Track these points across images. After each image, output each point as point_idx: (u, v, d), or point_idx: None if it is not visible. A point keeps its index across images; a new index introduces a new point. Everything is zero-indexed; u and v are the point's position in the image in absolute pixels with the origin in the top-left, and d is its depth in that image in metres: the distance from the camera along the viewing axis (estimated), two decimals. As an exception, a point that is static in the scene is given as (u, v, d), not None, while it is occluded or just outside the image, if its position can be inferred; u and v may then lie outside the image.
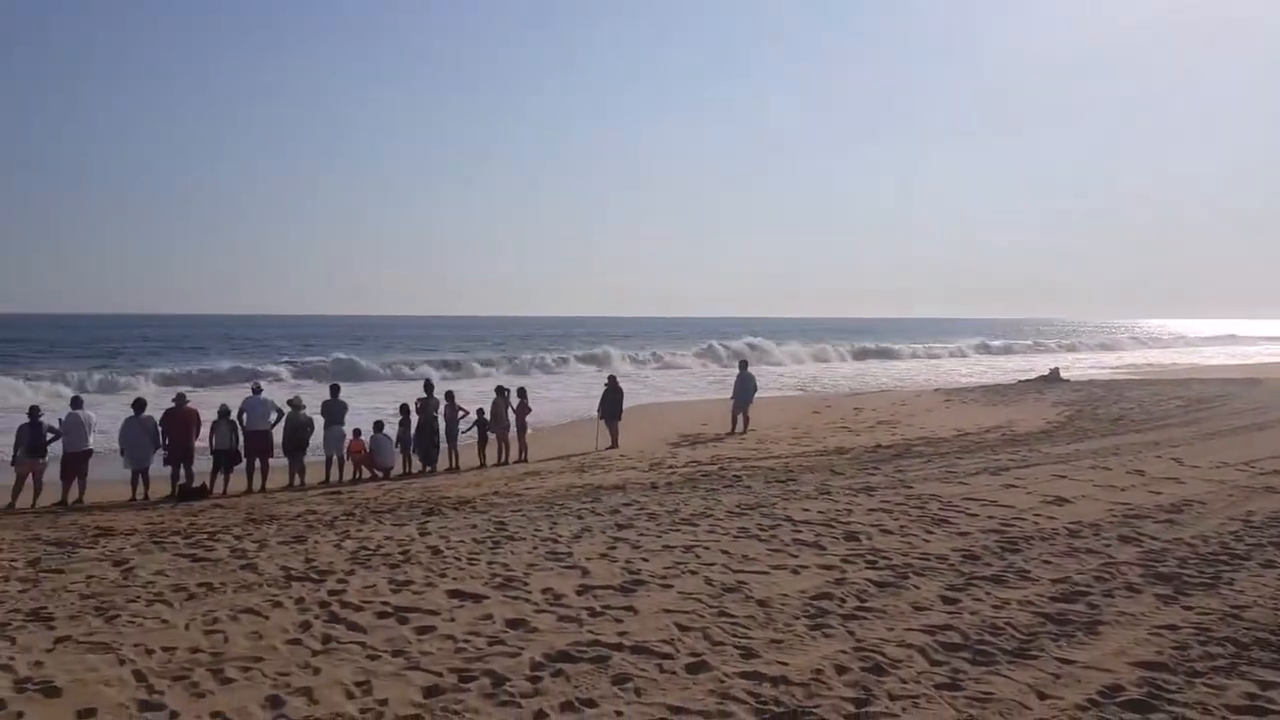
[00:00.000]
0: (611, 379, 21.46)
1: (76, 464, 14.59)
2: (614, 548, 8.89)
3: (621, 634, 6.33)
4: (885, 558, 8.32)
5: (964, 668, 5.69)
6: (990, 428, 20.67)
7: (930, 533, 9.30)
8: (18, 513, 13.37)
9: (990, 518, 9.99)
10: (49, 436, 14.62)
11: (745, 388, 22.64)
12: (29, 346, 70.62)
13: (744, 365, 23.76)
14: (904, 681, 5.48)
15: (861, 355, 63.49)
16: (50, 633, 6.51)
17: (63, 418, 14.97)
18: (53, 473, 14.50)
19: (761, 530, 9.54)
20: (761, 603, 7.03)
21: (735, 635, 6.29)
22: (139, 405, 15.56)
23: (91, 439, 15.01)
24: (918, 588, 7.37)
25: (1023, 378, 38.70)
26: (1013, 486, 11.90)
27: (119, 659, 5.94)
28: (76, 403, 15.72)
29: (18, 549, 9.67)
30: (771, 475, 13.77)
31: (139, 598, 7.41)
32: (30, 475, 14.33)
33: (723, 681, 5.48)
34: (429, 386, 18.55)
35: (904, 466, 14.20)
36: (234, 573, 8.21)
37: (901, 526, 9.59)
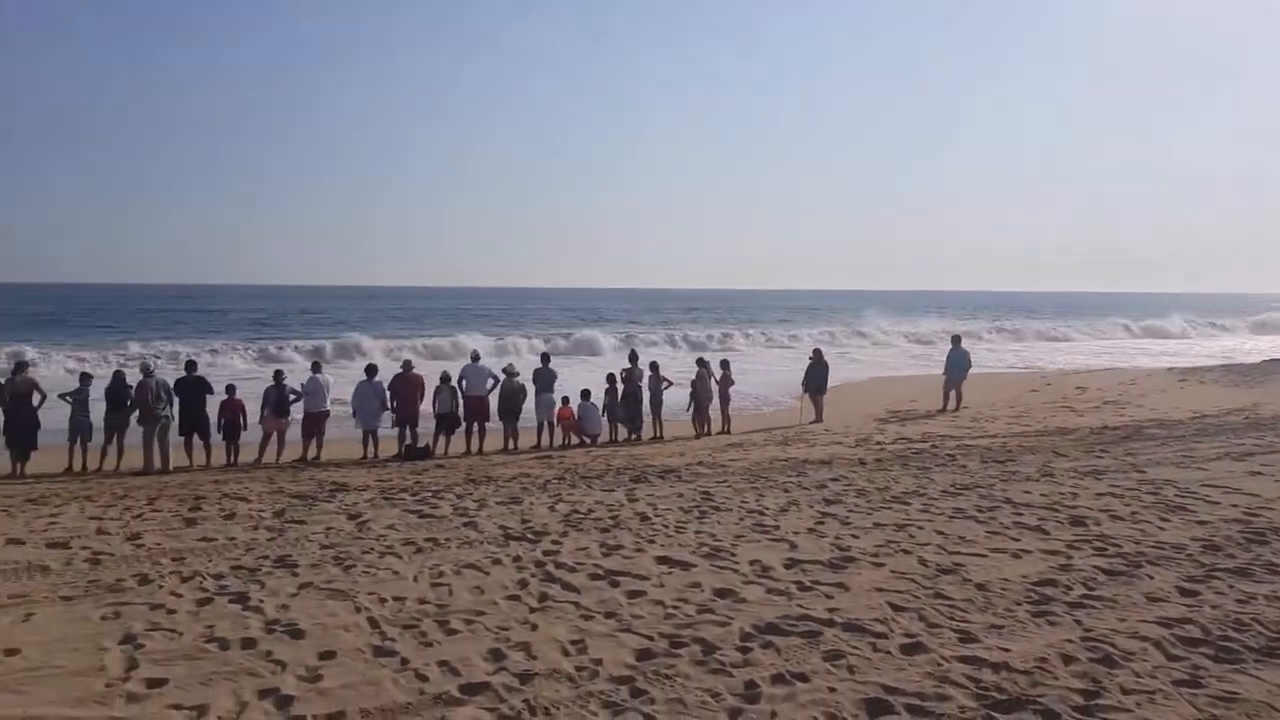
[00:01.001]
0: (816, 352, 21.10)
1: (316, 423, 15.74)
2: (822, 523, 8.74)
3: (832, 610, 6.22)
4: (1115, 545, 7.78)
5: (1205, 664, 5.25)
6: (1231, 410, 18.95)
7: (1165, 520, 8.63)
8: (264, 467, 14.56)
9: (1234, 506, 9.17)
10: (292, 398, 15.83)
11: (958, 363, 21.73)
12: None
13: (957, 340, 22.80)
14: (1138, 675, 5.10)
15: (1023, 335, 56.60)
16: (294, 579, 7.06)
17: (304, 381, 16.18)
18: (294, 431, 15.70)
19: (979, 512, 9.14)
20: (980, 586, 6.73)
21: (953, 618, 6.06)
22: (370, 370, 16.62)
23: (329, 401, 16.15)
24: (1152, 578, 6.85)
25: (1269, 357, 35.26)
26: (1258, 474, 10.87)
27: (355, 606, 6.36)
28: (316, 367, 16.94)
29: (265, 500, 10.53)
30: (988, 455, 13.17)
31: (372, 549, 7.92)
32: (275, 433, 15.58)
33: (940, 664, 5.29)
34: (634, 357, 18.83)
35: (1135, 449, 13.24)
36: (457, 530, 8.65)
37: (1133, 513, 8.95)
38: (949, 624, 5.94)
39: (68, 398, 14.50)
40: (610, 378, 18.14)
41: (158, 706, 4.76)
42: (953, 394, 21.33)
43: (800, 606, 6.30)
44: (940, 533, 8.30)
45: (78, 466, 14.25)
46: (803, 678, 5.11)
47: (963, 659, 5.35)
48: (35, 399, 14.20)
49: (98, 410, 14.59)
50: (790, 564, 7.34)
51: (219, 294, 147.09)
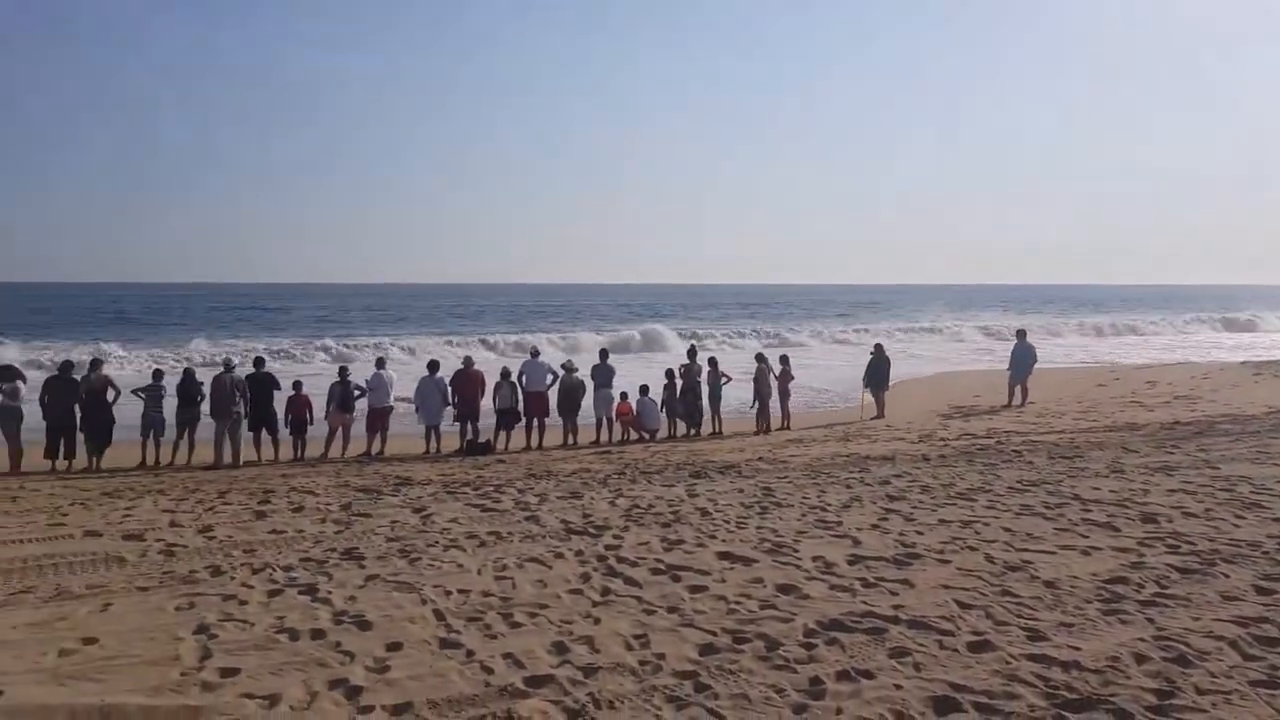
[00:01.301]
0: (878, 347, 20.88)
1: (380, 419, 16.00)
2: (885, 519, 8.65)
3: (897, 607, 6.15)
4: (1189, 542, 7.57)
5: (1286, 665, 5.08)
6: (1312, 406, 18.37)
7: (1241, 517, 8.38)
8: (330, 462, 14.82)
9: (1313, 503, 8.88)
10: (357, 394, 16.10)
11: (1023, 358, 21.34)
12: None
13: (1022, 335, 22.39)
14: (1213, 675, 4.96)
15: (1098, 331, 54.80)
16: (361, 571, 7.17)
17: (369, 377, 16.45)
18: (359, 426, 15.96)
19: (1046, 508, 8.96)
20: (1049, 584, 6.60)
21: (1021, 616, 5.94)
22: (433, 367, 16.84)
23: (393, 396, 16.39)
24: (1227, 576, 6.65)
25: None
26: (1339, 470, 10.52)
27: (421, 598, 6.44)
28: (380, 363, 17.20)
29: (332, 494, 10.72)
30: (1055, 451, 12.92)
31: (437, 543, 8.02)
32: (340, 428, 15.86)
33: (1008, 662, 5.19)
34: (692, 352, 18.84)
35: (1207, 445, 12.88)
36: (519, 524, 8.72)
37: (1207, 510, 8.70)
38: (1017, 622, 5.83)
39: (140, 393, 14.91)
40: (669, 373, 18.15)
41: (231, 695, 4.87)
42: (1018, 389, 20.97)
43: (865, 603, 6.24)
44: (1007, 529, 8.16)
45: (150, 461, 14.65)
46: (868, 675, 5.06)
47: (1032, 657, 5.25)
48: (110, 395, 14.63)
49: (167, 406, 14.99)
50: (854, 560, 7.27)
51: (280, 292, 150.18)
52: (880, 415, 19.33)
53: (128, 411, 14.86)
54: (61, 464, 14.17)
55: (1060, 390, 23.16)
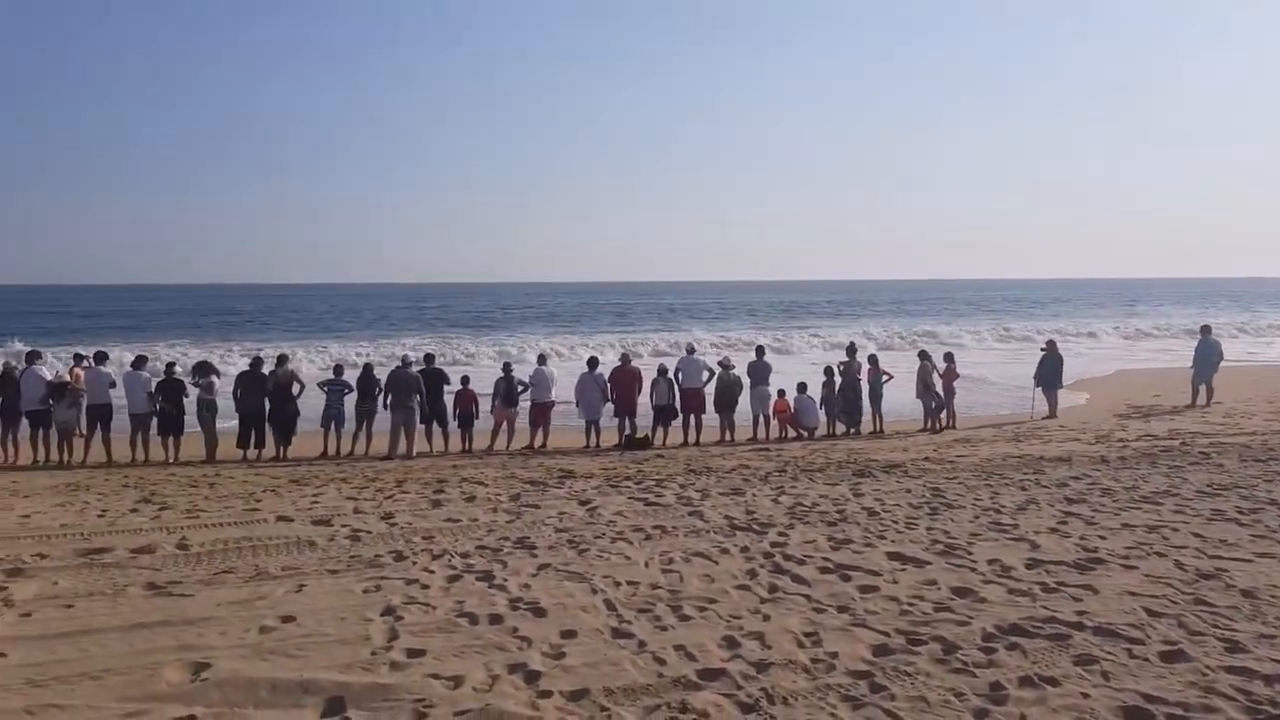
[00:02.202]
0: (1050, 344, 20.00)
1: (542, 413, 16.41)
2: (1065, 522, 8.31)
3: (1080, 613, 5.90)
4: None
5: None
6: None
7: None
8: (496, 454, 15.30)
9: None
10: (520, 389, 16.56)
11: (1208, 356, 20.03)
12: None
13: (1206, 331, 21.01)
14: None
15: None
16: (533, 559, 7.39)
17: (531, 373, 16.89)
18: (522, 420, 16.40)
19: (1240, 514, 8.43)
20: (1246, 593, 6.21)
21: (1217, 625, 5.62)
22: (592, 363, 17.14)
23: (554, 392, 16.77)
24: None
25: None
26: None
27: (591, 588, 6.59)
28: (542, 360, 17.62)
29: (500, 485, 11.07)
30: (1246, 453, 12.10)
31: (603, 534, 8.18)
32: (505, 422, 16.35)
33: (1205, 674, 4.92)
34: (852, 349, 18.52)
35: None
36: (683, 518, 8.80)
37: None
38: (1213, 632, 5.52)
39: (324, 387, 15.81)
40: (828, 370, 17.90)
41: (418, 675, 5.10)
42: (1202, 388, 19.71)
43: (1045, 608, 6.02)
44: (1198, 535, 7.71)
45: (332, 451, 15.47)
46: (1052, 681, 4.88)
47: (1231, 669, 4.97)
48: (295, 389, 15.55)
49: (347, 399, 15.83)
50: (1032, 564, 7.01)
51: (423, 291, 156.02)
52: (1052, 415, 18.53)
53: (312, 404, 15.78)
54: (252, 453, 15.14)
55: (1249, 389, 21.66)
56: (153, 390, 15.03)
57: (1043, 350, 19.75)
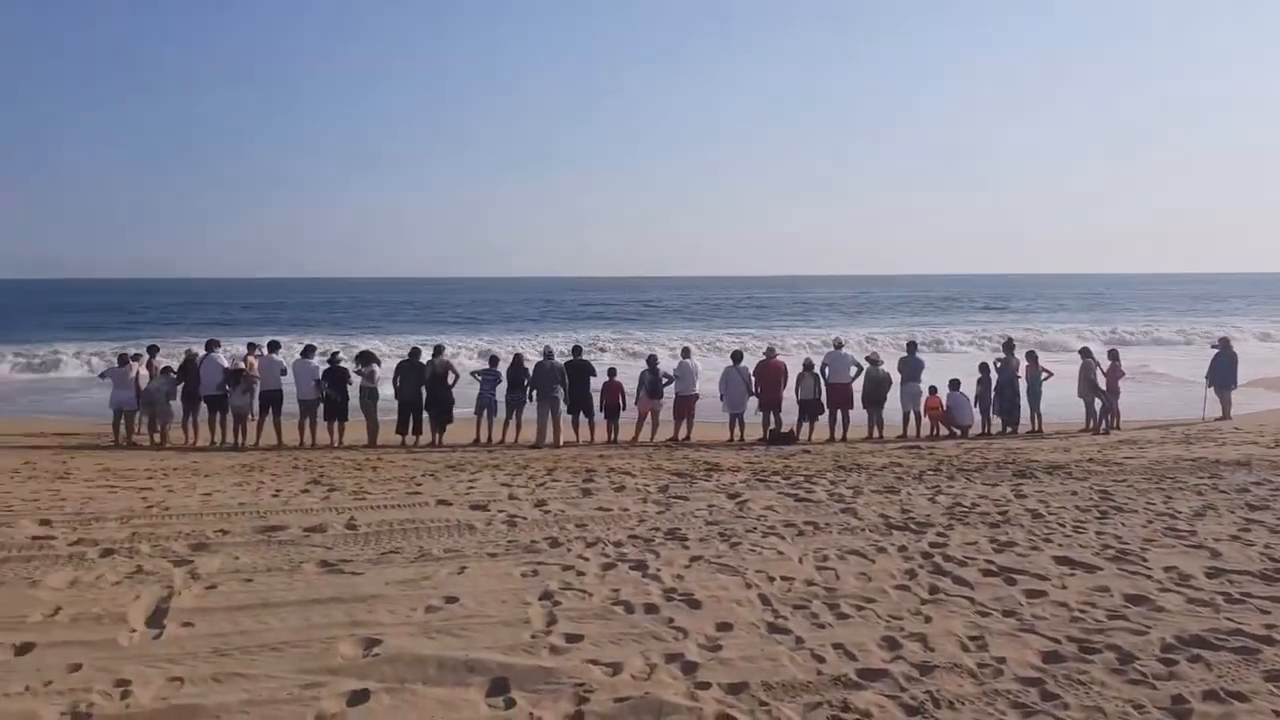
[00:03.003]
0: (1223, 341, 18.81)
1: (686, 406, 16.46)
2: (1247, 530, 7.80)
3: (1269, 626, 5.55)
4: None
5: None
6: None
7: None
8: (641, 445, 15.42)
9: None
10: (665, 382, 16.65)
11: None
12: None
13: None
14: None
15: None
16: (685, 551, 7.40)
17: (675, 366, 16.97)
18: (666, 413, 16.50)
19: None
20: None
21: None
22: (736, 357, 17.10)
23: (698, 385, 16.79)
24: None
25: None
26: None
27: (745, 582, 6.56)
28: (686, 353, 17.70)
29: (648, 476, 11.15)
30: None
31: (755, 529, 8.14)
32: (649, 414, 16.47)
33: None
34: (1009, 345, 17.86)
35: None
36: (836, 515, 8.67)
37: None
38: None
39: (477, 376, 16.32)
40: (983, 367, 17.33)
41: (578, 660, 5.18)
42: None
43: (1230, 620, 5.66)
44: (1402, 550, 7.11)
45: (484, 438, 15.92)
46: (1240, 697, 4.59)
47: None
48: (450, 378, 16.08)
49: (499, 389, 16.26)
50: (1213, 573, 6.61)
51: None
52: (1225, 416, 17.43)
53: (465, 393, 16.29)
54: (410, 439, 15.74)
55: None
56: (319, 378, 15.80)
57: (1215, 348, 18.60)
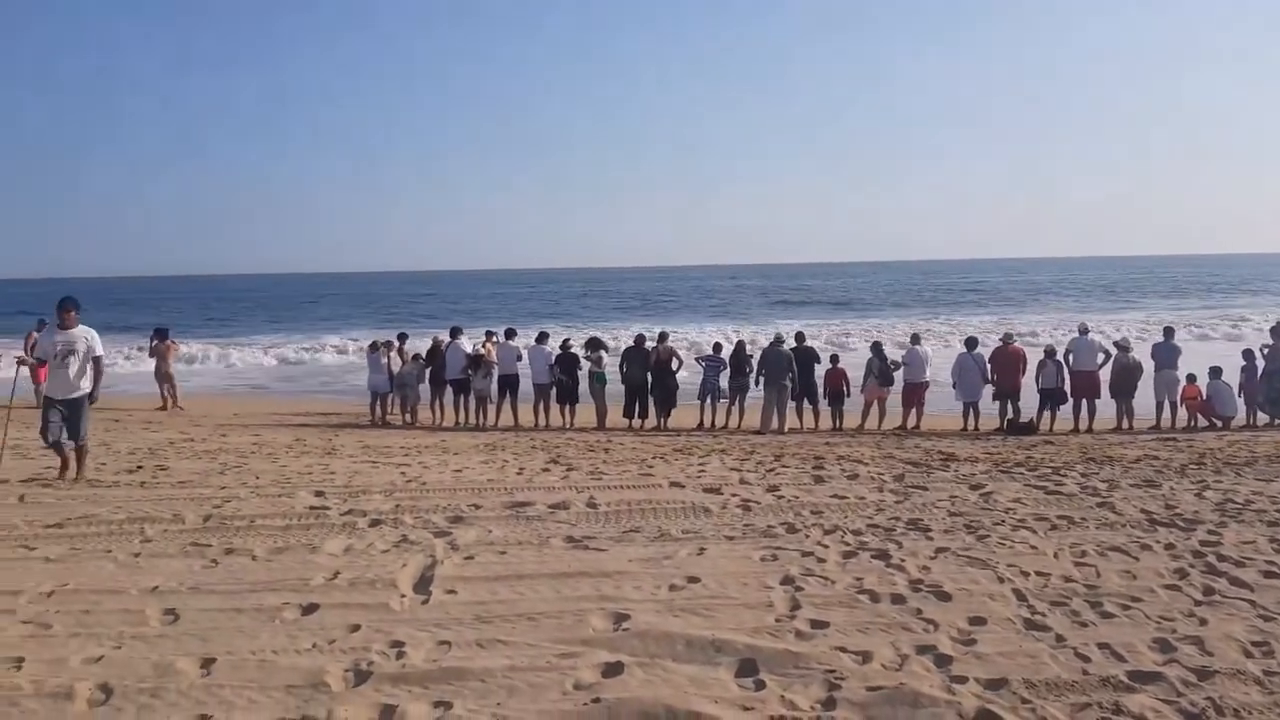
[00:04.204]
0: None
1: (916, 393, 16.01)
2: None
3: None
4: None
5: None
6: None
7: None
8: (868, 433, 15.14)
9: None
10: (893, 368, 16.25)
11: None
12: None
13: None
14: None
15: None
16: (929, 542, 7.18)
17: (904, 352, 16.56)
18: (894, 401, 16.10)
19: None
20: None
21: None
22: (971, 343, 16.45)
23: (928, 372, 16.28)
24: None
25: None
26: None
27: (997, 576, 6.28)
28: (915, 339, 17.25)
29: (880, 464, 10.91)
30: None
31: (1003, 521, 7.79)
32: (876, 401, 16.12)
33: None
34: (1277, 331, 16.26)
35: None
36: (1091, 509, 8.18)
37: None
38: None
39: (702, 362, 16.53)
40: (1247, 354, 15.92)
41: (825, 646, 5.12)
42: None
43: None
44: None
45: (707, 423, 16.11)
46: None
47: None
48: (674, 364, 16.35)
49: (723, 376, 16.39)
50: None
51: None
52: None
53: (689, 378, 16.55)
54: (636, 423, 16.14)
55: None
56: (552, 363, 16.47)
57: None
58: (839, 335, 37.85)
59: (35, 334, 19.78)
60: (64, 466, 9.57)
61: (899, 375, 16.22)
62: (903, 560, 6.67)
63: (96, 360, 9.48)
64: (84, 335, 9.40)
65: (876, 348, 17.00)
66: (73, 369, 9.31)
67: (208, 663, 4.87)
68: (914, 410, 15.98)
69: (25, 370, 10.45)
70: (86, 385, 9.42)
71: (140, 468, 10.64)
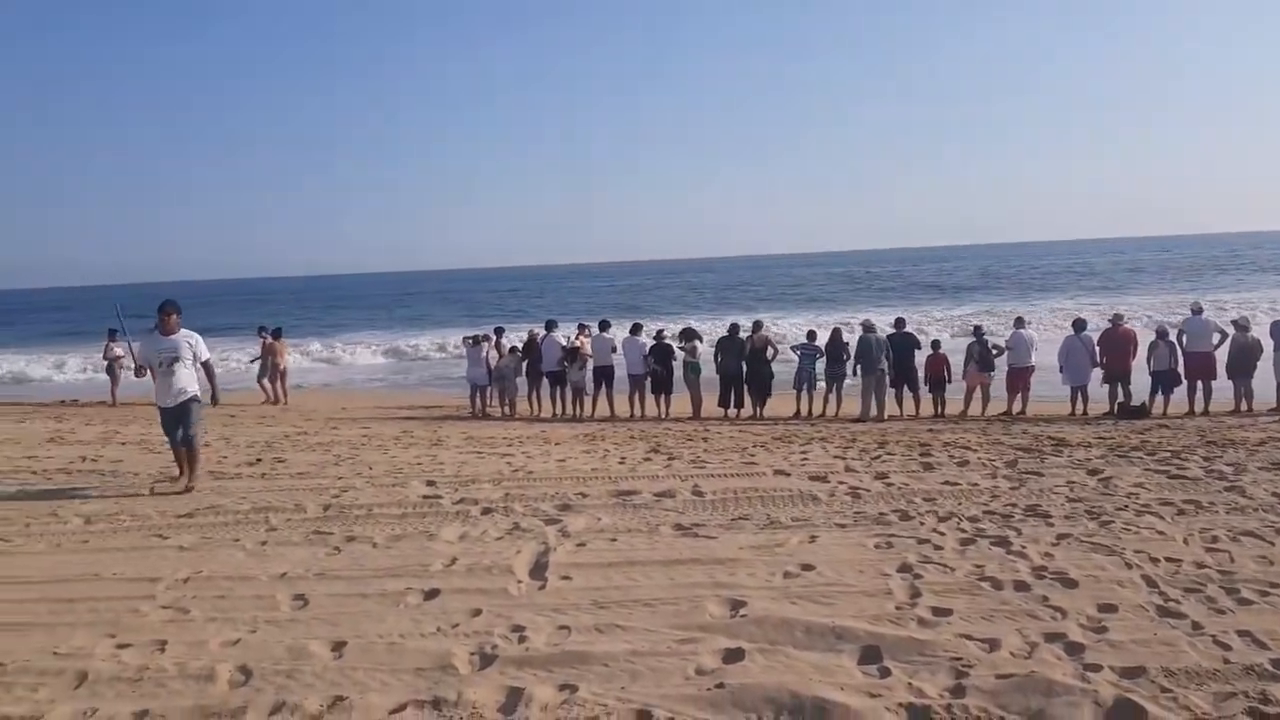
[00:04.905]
0: None
1: (1020, 378, 15.60)
2: None
3: None
4: None
5: None
6: None
7: None
8: (972, 419, 14.81)
9: None
10: (995, 353, 15.86)
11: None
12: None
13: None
14: None
15: None
16: (1050, 529, 7.00)
17: (1008, 337, 16.17)
18: (998, 386, 15.73)
19: None
20: None
21: None
22: (1078, 325, 15.99)
23: (1034, 356, 15.83)
24: None
25: None
26: None
27: (1125, 562, 6.09)
28: (1020, 323, 16.75)
29: (989, 451, 10.66)
30: None
31: (1126, 507, 7.55)
32: (979, 387, 15.76)
33: None
34: None
35: None
36: (1219, 494, 7.88)
37: None
38: None
39: (796, 350, 16.38)
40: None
41: (950, 634, 5.03)
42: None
43: None
44: None
45: (803, 411, 15.97)
46: None
47: None
48: (769, 353, 16.25)
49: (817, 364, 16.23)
50: None
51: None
52: None
53: (784, 367, 16.42)
54: (732, 412, 16.09)
55: None
56: (647, 354, 16.52)
57: None
58: (955, 320, 37.15)
59: (110, 344, 20.65)
60: (181, 469, 9.48)
61: (1002, 360, 15.82)
62: (1023, 547, 6.51)
63: (205, 364, 9.37)
64: (186, 340, 9.23)
65: (978, 332, 16.66)
66: (178, 375, 9.15)
67: (339, 646, 5.02)
68: (1019, 395, 15.57)
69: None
70: (193, 389, 9.28)
71: (259, 460, 11.03)
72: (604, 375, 16.72)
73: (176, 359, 9.12)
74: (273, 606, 5.73)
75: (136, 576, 6.38)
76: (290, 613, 5.64)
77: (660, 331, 17.45)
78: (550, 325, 17.59)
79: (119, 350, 19.63)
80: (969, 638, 4.97)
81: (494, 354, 17.53)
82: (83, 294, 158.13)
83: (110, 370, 20.52)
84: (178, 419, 9.15)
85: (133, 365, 9.59)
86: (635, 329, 17.33)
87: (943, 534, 6.91)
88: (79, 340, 42.97)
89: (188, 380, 9.20)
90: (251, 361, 22.95)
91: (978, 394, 15.76)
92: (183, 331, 9.23)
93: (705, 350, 17.46)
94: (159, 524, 7.88)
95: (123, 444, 12.80)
